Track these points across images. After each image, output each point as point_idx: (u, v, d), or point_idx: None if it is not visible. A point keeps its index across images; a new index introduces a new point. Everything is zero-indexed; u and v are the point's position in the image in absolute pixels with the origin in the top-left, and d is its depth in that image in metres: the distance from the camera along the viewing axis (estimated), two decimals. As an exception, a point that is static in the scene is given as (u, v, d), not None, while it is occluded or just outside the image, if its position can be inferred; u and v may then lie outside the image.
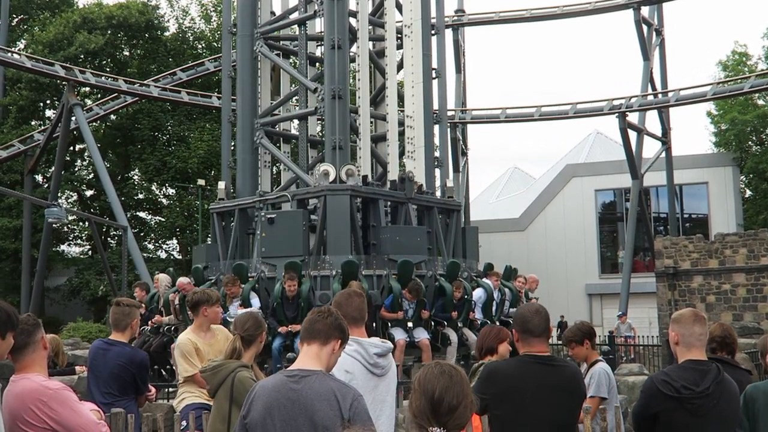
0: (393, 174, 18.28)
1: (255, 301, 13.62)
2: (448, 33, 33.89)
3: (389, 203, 17.91)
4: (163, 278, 15.25)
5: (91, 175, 39.35)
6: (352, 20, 19.05)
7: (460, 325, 14.77)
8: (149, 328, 14.65)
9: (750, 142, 42.30)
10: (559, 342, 24.37)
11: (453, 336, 14.20)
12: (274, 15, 20.97)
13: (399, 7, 19.75)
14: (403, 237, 16.62)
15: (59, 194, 34.93)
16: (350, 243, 16.19)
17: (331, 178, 16.41)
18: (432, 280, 15.83)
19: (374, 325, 13.68)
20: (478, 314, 14.76)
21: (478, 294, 15.06)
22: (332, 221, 16.18)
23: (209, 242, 22.11)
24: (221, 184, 19.78)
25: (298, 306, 13.55)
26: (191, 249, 37.61)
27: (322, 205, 16.44)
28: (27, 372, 4.02)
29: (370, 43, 19.76)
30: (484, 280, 15.75)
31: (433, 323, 14.38)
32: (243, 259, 17.22)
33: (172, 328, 14.21)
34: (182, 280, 14.21)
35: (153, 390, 6.52)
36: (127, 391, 6.17)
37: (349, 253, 15.70)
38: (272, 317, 13.37)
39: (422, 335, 13.59)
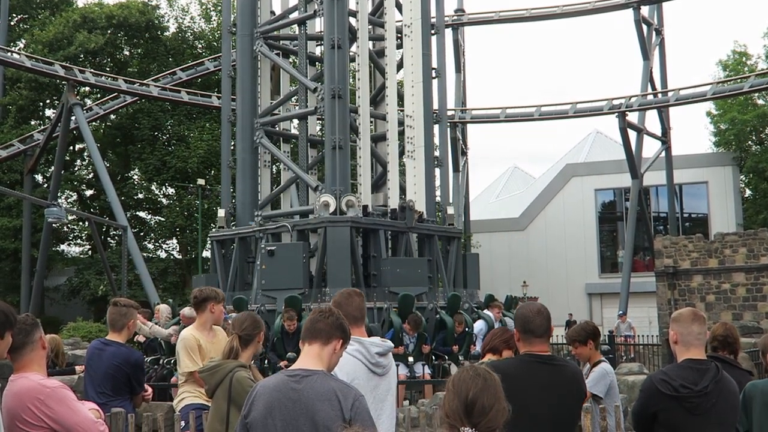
0: (393, 201, 18.37)
1: None
2: (448, 32, 33.88)
3: (390, 233, 17.96)
4: (163, 309, 15.07)
5: (91, 175, 39.34)
6: (352, 20, 19.06)
7: (461, 358, 14.68)
8: (149, 359, 14.51)
9: (750, 142, 42.28)
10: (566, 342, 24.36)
11: (454, 369, 14.10)
12: (274, 14, 20.98)
13: (399, 6, 19.77)
14: (404, 269, 16.68)
15: (59, 194, 34.92)
16: (350, 275, 16.19)
17: (332, 209, 16.45)
18: (433, 312, 15.81)
19: None
20: (479, 347, 14.63)
21: (479, 326, 14.87)
22: (332, 253, 16.23)
23: (208, 264, 21.99)
24: (221, 212, 19.86)
25: (298, 341, 13.38)
26: (191, 249, 37.69)
27: (322, 236, 16.49)
28: (25, 371, 4.03)
29: (370, 42, 19.79)
30: (486, 311, 15.63)
31: (433, 357, 14.25)
32: (243, 289, 17.20)
33: (172, 361, 14.04)
34: (185, 311, 13.88)
35: (149, 390, 6.50)
36: (120, 391, 6.16)
37: (350, 285, 15.69)
38: (272, 352, 13.21)
39: (423, 370, 13.47)
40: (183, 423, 6.33)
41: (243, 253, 18.55)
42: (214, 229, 20.25)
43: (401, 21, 19.67)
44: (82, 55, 37.10)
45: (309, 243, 17.54)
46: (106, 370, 6.08)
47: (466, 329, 14.63)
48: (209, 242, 20.36)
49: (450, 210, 20.19)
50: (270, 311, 15.49)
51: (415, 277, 16.68)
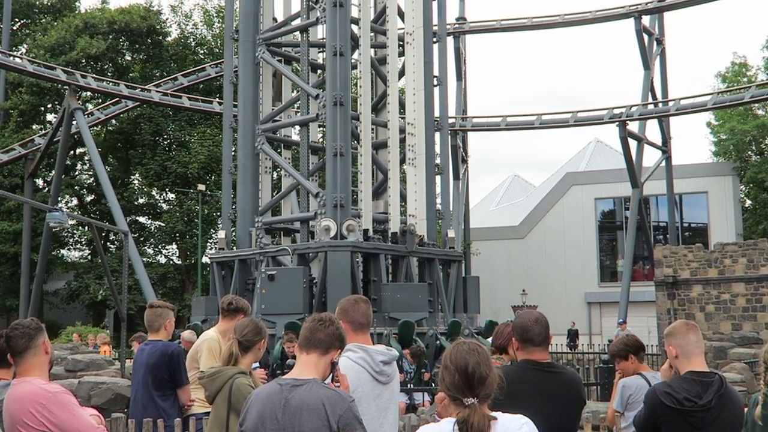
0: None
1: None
2: (449, 41, 33.95)
3: (390, 257, 17.99)
4: (187, 336, 14.81)
5: (92, 180, 39.35)
6: (354, 27, 19.11)
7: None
8: None
9: (749, 152, 42.35)
10: (568, 350, 24.39)
11: None
12: (277, 21, 21.03)
13: (401, 14, 19.81)
14: (404, 294, 16.71)
15: (59, 198, 34.92)
16: None
17: (332, 233, 16.48)
18: (433, 339, 15.80)
19: None
20: None
21: None
22: (333, 277, 16.26)
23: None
24: (221, 233, 19.86)
25: None
26: (190, 254, 37.68)
27: (323, 261, 16.51)
28: (27, 376, 4.03)
29: (372, 50, 19.82)
30: (489, 340, 15.49)
31: (433, 384, 14.22)
32: None
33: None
34: (185, 335, 13.50)
35: (191, 395, 6.44)
36: (162, 385, 6.22)
37: None
38: (272, 377, 13.15)
39: (423, 398, 13.40)
40: None
41: (243, 275, 18.55)
42: (213, 250, 20.26)
43: (403, 29, 19.71)
44: (83, 60, 37.17)
45: (309, 267, 17.55)
46: (147, 366, 6.23)
47: None
48: (209, 263, 20.27)
49: (451, 233, 20.20)
50: (269, 336, 15.44)
51: (416, 303, 16.72)
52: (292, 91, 21.56)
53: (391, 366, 4.40)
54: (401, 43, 19.74)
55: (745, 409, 4.64)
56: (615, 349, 6.15)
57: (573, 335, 32.08)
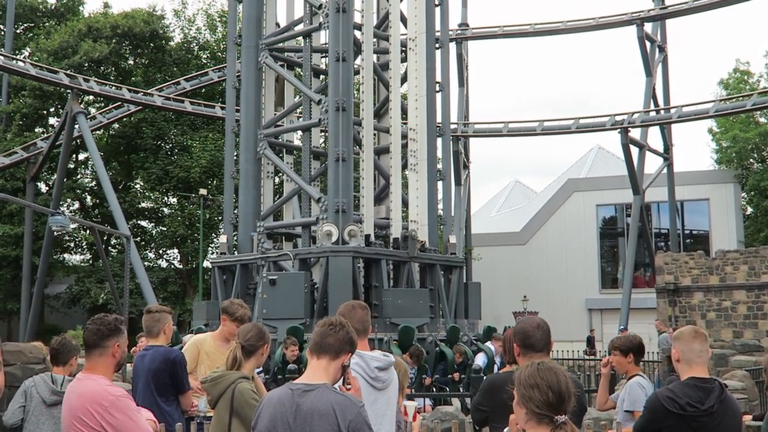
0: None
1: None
2: (452, 47, 34.01)
3: (392, 262, 18.02)
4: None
5: (93, 183, 39.38)
6: (357, 33, 19.18)
7: (461, 390, 14.23)
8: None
9: (751, 160, 42.38)
10: (590, 357, 24.33)
11: (456, 402, 13.94)
12: (279, 27, 21.08)
13: (404, 20, 19.87)
14: (405, 300, 16.72)
15: (61, 202, 34.95)
16: None
17: (334, 238, 16.51)
18: (433, 345, 15.82)
19: None
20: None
21: (480, 360, 14.64)
22: (334, 283, 16.29)
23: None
24: (222, 238, 19.88)
25: (299, 372, 13.31)
26: (192, 258, 37.67)
27: (324, 266, 16.53)
28: (92, 373, 4.08)
29: (375, 55, 19.86)
30: (488, 344, 15.47)
31: (434, 389, 14.10)
32: None
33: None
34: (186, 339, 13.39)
35: (194, 400, 6.47)
36: (164, 391, 6.20)
37: None
38: (273, 383, 13.16)
39: (423, 403, 13.36)
40: None
41: (244, 280, 18.56)
42: (215, 255, 20.28)
43: (406, 35, 19.76)
44: (86, 64, 37.25)
45: (311, 272, 17.56)
46: (149, 371, 6.19)
47: (467, 360, 14.48)
48: (211, 267, 20.31)
49: (452, 239, 20.21)
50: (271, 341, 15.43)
51: (417, 309, 16.74)
52: (295, 96, 21.60)
53: (388, 372, 4.42)
54: (404, 48, 19.78)
55: (745, 416, 4.66)
56: (619, 343, 6.21)
57: (591, 342, 32.44)
